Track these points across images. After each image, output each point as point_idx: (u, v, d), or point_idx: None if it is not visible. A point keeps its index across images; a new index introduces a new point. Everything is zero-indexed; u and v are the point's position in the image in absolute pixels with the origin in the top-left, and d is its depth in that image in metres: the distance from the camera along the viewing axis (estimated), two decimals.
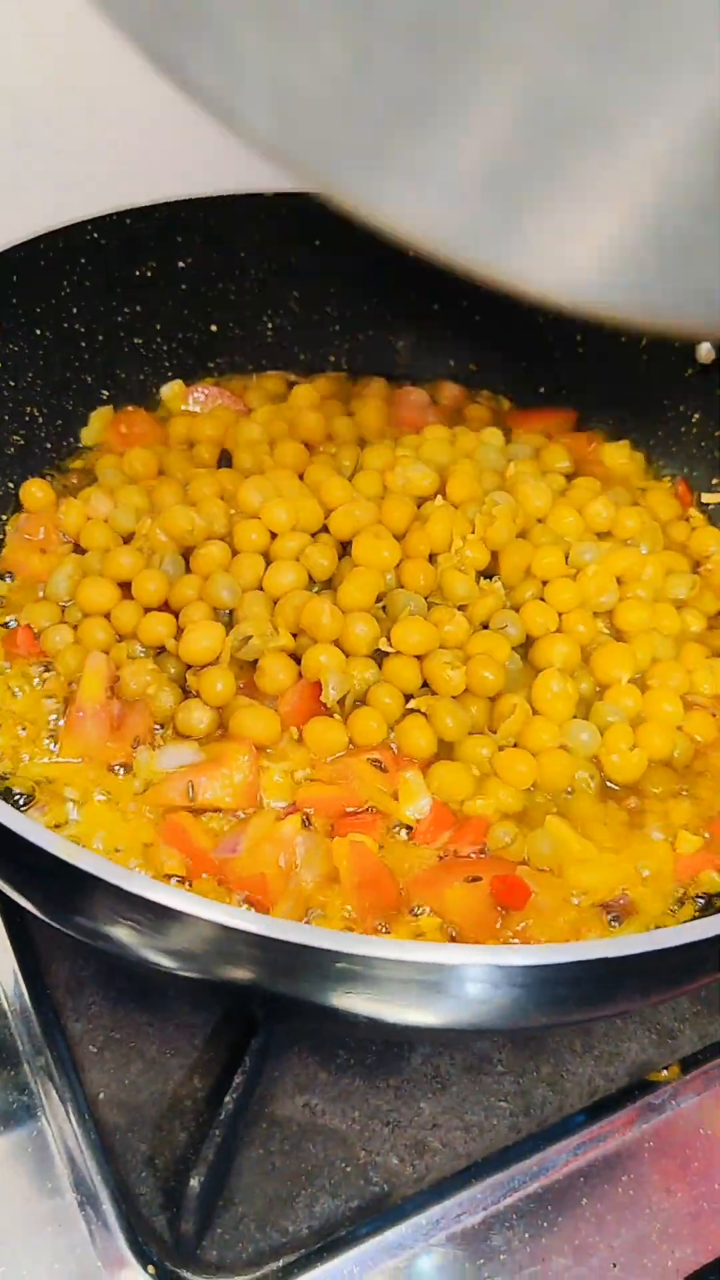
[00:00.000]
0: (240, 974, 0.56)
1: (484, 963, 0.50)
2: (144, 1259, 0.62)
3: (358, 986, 0.52)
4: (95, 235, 0.93)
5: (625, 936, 0.51)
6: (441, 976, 0.51)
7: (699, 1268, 0.65)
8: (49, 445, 0.95)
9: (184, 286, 1.00)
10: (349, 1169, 0.66)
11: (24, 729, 0.76)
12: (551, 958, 0.50)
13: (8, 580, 0.85)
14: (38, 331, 0.92)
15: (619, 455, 1.01)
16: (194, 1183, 0.60)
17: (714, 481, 0.97)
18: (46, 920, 0.63)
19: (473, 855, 0.71)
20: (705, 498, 0.97)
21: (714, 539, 0.94)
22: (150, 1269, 0.62)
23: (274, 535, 0.85)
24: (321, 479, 0.89)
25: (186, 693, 0.78)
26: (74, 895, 0.56)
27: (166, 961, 0.57)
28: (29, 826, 0.53)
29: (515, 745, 0.78)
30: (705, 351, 0.95)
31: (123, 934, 0.56)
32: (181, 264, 0.99)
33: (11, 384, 0.91)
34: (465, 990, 0.53)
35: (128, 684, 0.77)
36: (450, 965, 0.50)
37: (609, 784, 0.78)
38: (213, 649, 0.78)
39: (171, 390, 1.01)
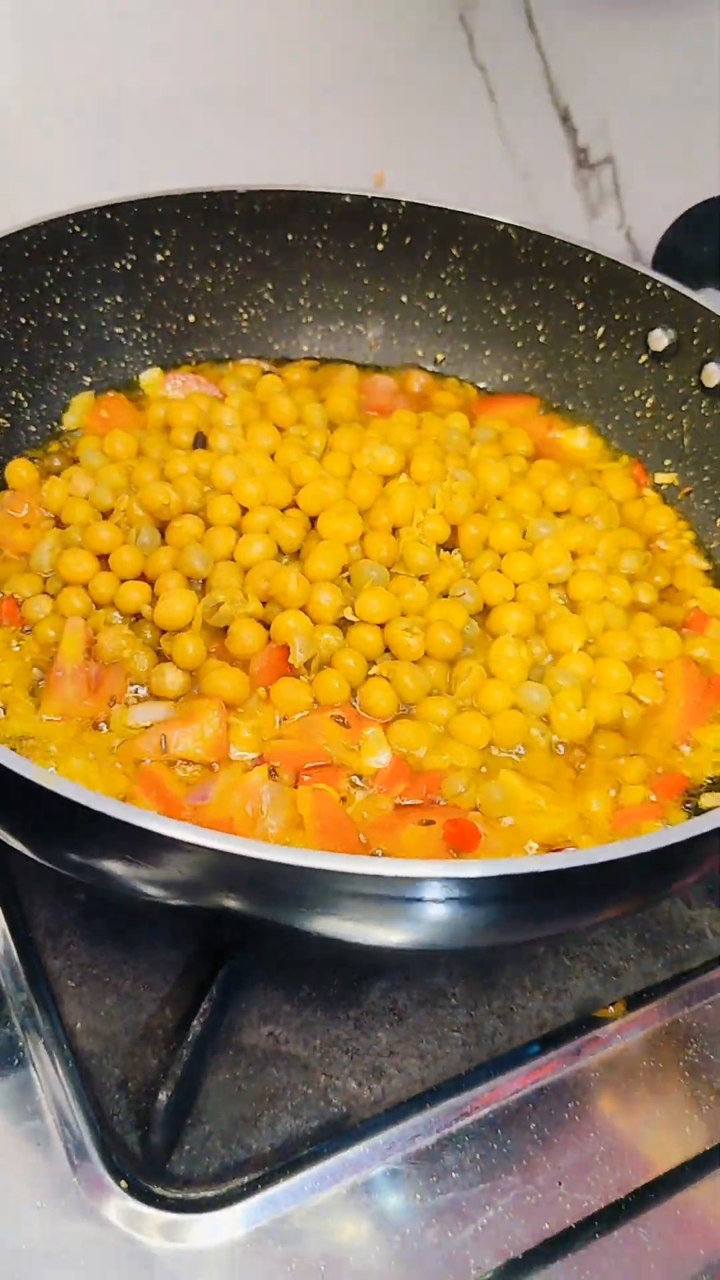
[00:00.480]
0: (221, 897, 0.59)
1: (441, 875, 0.54)
2: (117, 1174, 0.66)
3: (329, 906, 0.57)
4: (77, 228, 0.98)
5: (563, 853, 0.56)
6: (404, 890, 0.55)
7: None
8: (33, 428, 0.99)
9: (162, 278, 1.05)
10: (310, 1092, 0.70)
11: (6, 690, 0.81)
12: (499, 870, 0.54)
13: None
14: (23, 320, 0.97)
15: (578, 439, 1.06)
16: (162, 1097, 0.64)
17: (666, 463, 1.02)
18: (38, 859, 0.66)
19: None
20: (659, 478, 1.02)
21: (666, 517, 0.99)
22: (122, 1183, 0.66)
23: (245, 511, 0.90)
24: (292, 459, 0.94)
25: (161, 657, 0.83)
26: (71, 832, 0.60)
27: (153, 890, 0.61)
28: (35, 770, 0.57)
29: (472, 707, 0.83)
30: (656, 340, 1.00)
31: (115, 867, 0.60)
32: (160, 257, 1.04)
33: None
34: (424, 910, 0.57)
35: (104, 647, 0.82)
36: (413, 878, 0.54)
37: (559, 744, 0.82)
38: (186, 614, 0.83)
39: (150, 378, 1.06)
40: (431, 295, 1.11)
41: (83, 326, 1.02)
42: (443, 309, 1.11)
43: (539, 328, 1.09)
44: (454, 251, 1.08)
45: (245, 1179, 0.67)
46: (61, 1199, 0.66)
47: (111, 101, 1.10)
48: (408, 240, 1.08)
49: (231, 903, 0.59)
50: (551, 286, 1.06)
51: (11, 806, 0.62)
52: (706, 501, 0.98)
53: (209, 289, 1.08)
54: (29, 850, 0.66)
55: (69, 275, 0.99)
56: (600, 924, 0.75)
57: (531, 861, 0.55)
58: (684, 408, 1.00)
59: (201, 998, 0.69)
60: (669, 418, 1.02)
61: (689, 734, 0.84)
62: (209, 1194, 0.66)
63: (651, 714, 0.86)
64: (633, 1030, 0.76)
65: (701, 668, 0.88)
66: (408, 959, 0.75)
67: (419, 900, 0.56)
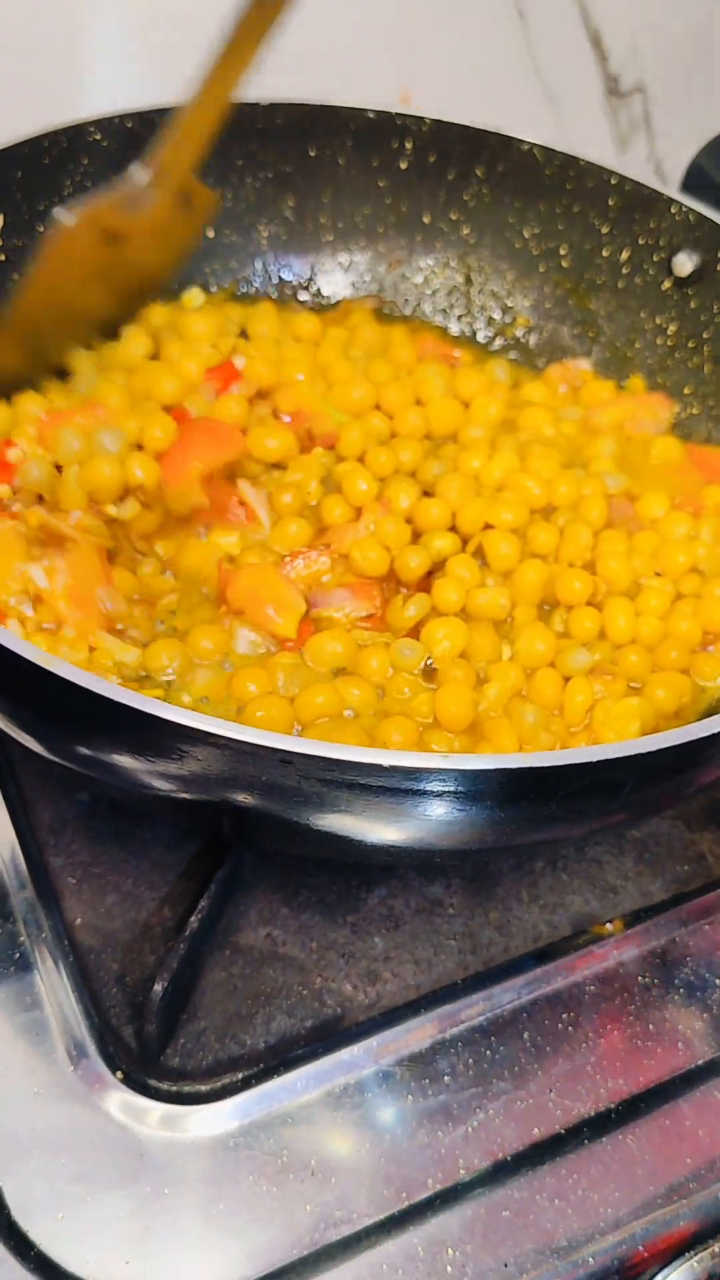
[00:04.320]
0: (233, 790, 0.59)
1: (448, 768, 0.54)
2: (113, 1066, 0.67)
3: (338, 799, 0.57)
4: (98, 136, 0.97)
5: (560, 751, 0.56)
6: (410, 782, 0.55)
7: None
8: None
9: None
10: (305, 992, 0.71)
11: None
12: (504, 763, 0.55)
13: None
14: (40, 228, 0.96)
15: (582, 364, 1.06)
16: (157, 988, 0.65)
17: (686, 391, 1.01)
18: (50, 754, 0.67)
19: None
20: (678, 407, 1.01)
21: None
22: (118, 1074, 0.67)
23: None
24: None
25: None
26: (86, 724, 0.60)
27: (165, 784, 0.61)
28: (58, 661, 0.55)
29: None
30: (681, 265, 0.99)
31: (126, 760, 0.60)
32: None
33: (16, 277, 0.95)
34: (429, 806, 0.57)
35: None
36: (418, 769, 0.54)
37: None
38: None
39: (191, 295, 1.05)
40: (454, 216, 1.09)
41: None
42: (465, 230, 1.10)
43: (561, 251, 1.07)
44: (478, 171, 1.06)
45: (239, 1074, 0.68)
46: (59, 1088, 0.67)
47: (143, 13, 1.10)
48: (431, 159, 1.07)
49: (243, 796, 0.60)
50: (576, 209, 1.05)
51: (26, 701, 0.63)
52: None
53: (229, 203, 1.06)
54: (41, 745, 0.67)
55: (88, 184, 0.98)
56: (597, 831, 0.75)
57: (532, 757, 0.54)
58: (706, 335, 0.99)
59: (200, 896, 0.70)
60: (690, 345, 1.01)
61: None
62: (203, 1088, 0.67)
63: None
64: (628, 947, 0.77)
65: None
66: (412, 859, 0.76)
67: (423, 793, 0.56)
